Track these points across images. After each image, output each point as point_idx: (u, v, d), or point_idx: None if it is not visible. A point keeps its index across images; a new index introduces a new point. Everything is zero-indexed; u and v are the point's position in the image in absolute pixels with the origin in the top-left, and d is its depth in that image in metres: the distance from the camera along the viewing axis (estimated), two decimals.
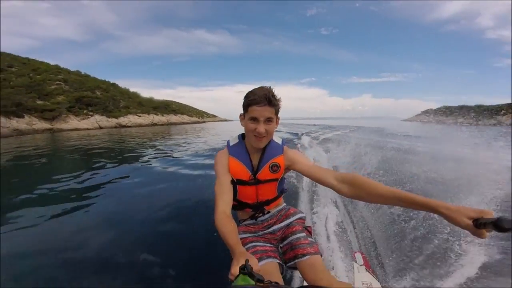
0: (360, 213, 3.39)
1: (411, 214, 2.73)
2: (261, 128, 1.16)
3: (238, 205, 1.38)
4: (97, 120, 39.94)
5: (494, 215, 0.73)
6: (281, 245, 1.38)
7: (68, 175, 5.35)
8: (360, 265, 1.68)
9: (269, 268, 1.17)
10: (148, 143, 12.43)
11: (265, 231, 1.40)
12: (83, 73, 54.40)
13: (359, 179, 1.04)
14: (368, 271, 1.60)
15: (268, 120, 1.18)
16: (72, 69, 53.97)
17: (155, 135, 19.51)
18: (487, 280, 1.81)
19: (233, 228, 0.98)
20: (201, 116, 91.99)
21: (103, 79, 56.43)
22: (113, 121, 41.61)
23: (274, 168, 1.29)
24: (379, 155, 4.98)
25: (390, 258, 2.22)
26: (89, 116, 39.50)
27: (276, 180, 1.32)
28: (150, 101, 57.09)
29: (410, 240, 2.38)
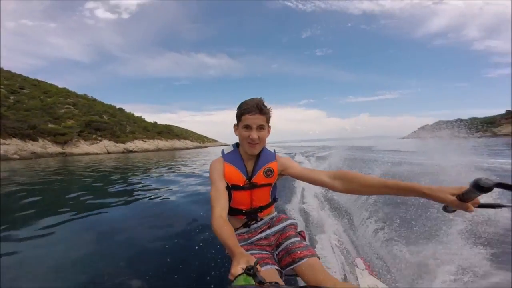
0: (351, 218, 3.52)
1: (402, 209, 2.98)
2: (254, 134, 1.22)
3: (231, 213, 1.37)
4: (105, 145, 40.64)
5: None
6: (276, 252, 1.37)
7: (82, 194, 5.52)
8: (363, 270, 1.67)
9: (269, 273, 1.16)
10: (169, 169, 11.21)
11: (258, 237, 1.40)
12: (90, 96, 55.71)
13: (349, 174, 1.11)
14: (371, 275, 1.59)
15: (260, 127, 1.24)
16: (78, 91, 55.29)
17: (168, 160, 18.23)
18: (487, 280, 1.77)
19: (231, 231, 1.00)
20: (202, 141, 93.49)
21: (108, 102, 57.77)
22: (120, 146, 42.36)
23: (268, 172, 1.33)
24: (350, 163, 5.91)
25: (392, 260, 2.21)
26: (98, 141, 40.21)
27: (270, 185, 1.36)
28: (155, 126, 58.44)
29: (409, 238, 2.40)
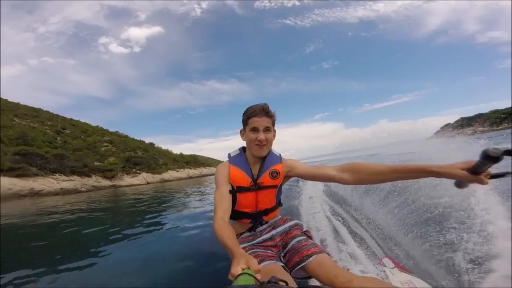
0: (368, 216, 3.33)
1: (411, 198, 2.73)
2: (262, 136, 1.27)
3: (236, 217, 1.37)
4: (144, 177, 43.11)
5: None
6: (282, 254, 1.34)
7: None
8: (392, 268, 1.57)
9: (272, 267, 1.13)
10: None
11: (263, 238, 1.38)
12: (121, 133, 59.69)
13: (357, 165, 1.12)
14: (404, 271, 1.48)
15: (267, 129, 1.30)
16: (104, 127, 59.59)
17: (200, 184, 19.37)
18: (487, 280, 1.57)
19: (232, 232, 1.00)
20: None
21: (131, 136, 61.78)
22: (157, 177, 44.68)
23: (274, 174, 1.34)
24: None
25: (421, 253, 2.07)
26: (138, 174, 43.00)
27: (275, 187, 1.37)
28: (182, 156, 61.55)
29: (434, 225, 2.22)
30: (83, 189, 28.08)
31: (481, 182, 0.74)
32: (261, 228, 1.43)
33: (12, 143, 28.02)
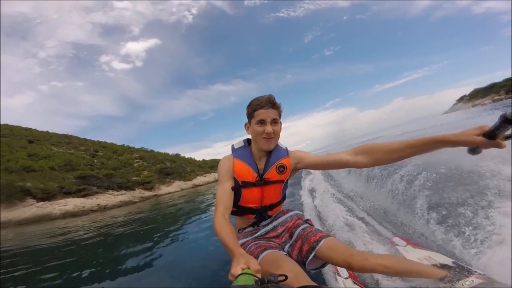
0: (372, 202, 3.35)
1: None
2: (269, 128, 1.23)
3: (239, 212, 1.35)
4: (178, 184, 46.76)
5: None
6: (289, 245, 1.33)
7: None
8: (405, 246, 1.53)
9: (276, 255, 1.12)
10: None
11: (266, 229, 1.39)
12: (147, 148, 63.76)
13: (371, 145, 1.08)
14: (416, 248, 1.43)
15: (274, 121, 1.25)
16: (123, 143, 63.74)
17: None
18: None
19: (232, 231, 1.00)
20: None
21: (149, 149, 65.85)
22: (189, 183, 48.25)
23: (281, 169, 1.31)
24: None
25: (432, 228, 1.96)
26: (172, 183, 46.65)
27: (282, 182, 1.34)
28: (205, 162, 65.16)
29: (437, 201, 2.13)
30: (136, 200, 31.78)
31: (499, 146, 0.72)
32: (264, 222, 1.42)
33: (62, 169, 32.00)
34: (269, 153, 1.33)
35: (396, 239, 1.68)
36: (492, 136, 0.72)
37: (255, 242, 1.30)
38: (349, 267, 1.03)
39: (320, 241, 1.18)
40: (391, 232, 2.40)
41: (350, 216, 3.01)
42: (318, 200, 4.49)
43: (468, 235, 1.64)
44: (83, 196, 26.11)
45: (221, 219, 1.07)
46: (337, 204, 3.73)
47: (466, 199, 1.92)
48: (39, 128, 58.06)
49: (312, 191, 5.70)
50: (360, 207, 3.56)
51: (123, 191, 34.16)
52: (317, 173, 8.58)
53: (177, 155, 64.74)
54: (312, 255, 1.17)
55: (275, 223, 1.41)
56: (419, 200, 2.34)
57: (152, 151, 62.88)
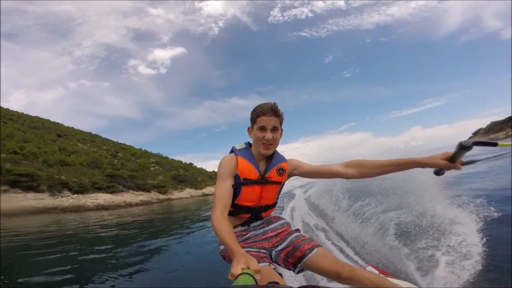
0: (346, 229, 3.50)
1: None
2: (269, 135, 1.28)
3: (234, 211, 1.35)
4: (189, 192, 49.88)
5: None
6: (279, 250, 1.33)
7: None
8: (377, 275, 1.50)
9: (265, 271, 1.13)
10: None
11: (255, 232, 1.40)
12: (163, 155, 67.51)
13: (360, 161, 1.24)
14: (389, 277, 1.45)
15: (274, 129, 1.30)
16: (137, 146, 67.08)
17: None
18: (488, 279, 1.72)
19: (231, 229, 1.01)
20: None
21: (170, 157, 69.45)
22: (199, 192, 51.22)
23: (281, 171, 1.37)
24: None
25: (404, 259, 2.19)
26: (183, 189, 49.68)
27: (279, 183, 1.40)
28: (215, 173, 68.38)
29: (410, 235, 2.46)
30: (153, 200, 34.95)
31: (457, 168, 0.88)
32: (255, 223, 1.42)
33: (89, 166, 35.61)
34: (270, 156, 1.39)
35: (369, 268, 1.74)
36: (452, 160, 0.88)
37: (246, 249, 1.22)
38: (338, 277, 1.06)
39: (313, 249, 1.21)
40: (364, 260, 2.56)
41: (328, 242, 3.23)
42: (298, 222, 4.67)
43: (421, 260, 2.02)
44: (111, 193, 29.29)
45: (220, 216, 1.08)
46: (317, 231, 3.99)
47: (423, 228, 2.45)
48: (65, 124, 62.13)
49: (292, 210, 6.14)
50: (338, 236, 3.71)
51: (141, 192, 37.30)
52: (301, 199, 9.92)
53: (190, 164, 68.26)
54: (303, 261, 1.20)
55: (266, 228, 1.41)
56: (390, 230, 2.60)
57: (167, 157, 66.66)
